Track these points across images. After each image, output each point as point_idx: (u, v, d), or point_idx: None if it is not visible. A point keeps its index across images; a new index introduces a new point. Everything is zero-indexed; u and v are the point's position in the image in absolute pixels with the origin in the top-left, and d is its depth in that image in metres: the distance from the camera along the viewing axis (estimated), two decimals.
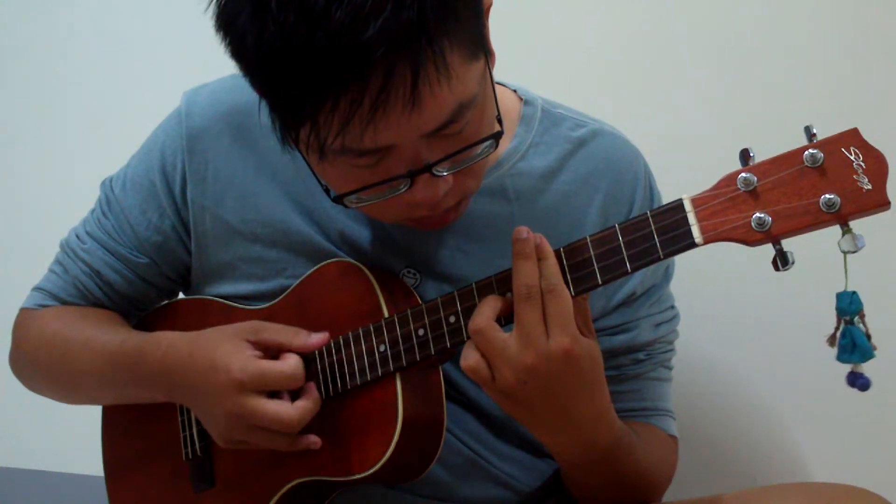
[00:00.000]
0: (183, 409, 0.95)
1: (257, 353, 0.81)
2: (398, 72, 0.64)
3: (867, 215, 0.63)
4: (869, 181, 0.62)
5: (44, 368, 0.98)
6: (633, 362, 0.91)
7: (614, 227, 0.71)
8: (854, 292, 0.64)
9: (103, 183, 1.00)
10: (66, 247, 0.99)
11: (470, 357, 0.72)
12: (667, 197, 0.92)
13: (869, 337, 0.64)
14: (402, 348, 0.79)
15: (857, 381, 0.65)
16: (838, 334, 0.65)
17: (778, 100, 1.18)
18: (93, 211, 1.00)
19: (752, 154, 0.67)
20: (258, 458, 0.87)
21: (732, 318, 1.21)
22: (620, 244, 0.70)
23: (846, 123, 0.65)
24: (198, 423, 0.93)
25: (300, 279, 0.88)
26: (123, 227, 0.96)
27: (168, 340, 0.87)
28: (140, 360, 0.88)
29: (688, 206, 0.67)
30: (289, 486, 0.85)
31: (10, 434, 1.80)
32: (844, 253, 0.63)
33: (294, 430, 0.80)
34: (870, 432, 1.15)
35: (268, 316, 0.89)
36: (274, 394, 0.81)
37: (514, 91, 0.93)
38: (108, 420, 1.02)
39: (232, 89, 0.92)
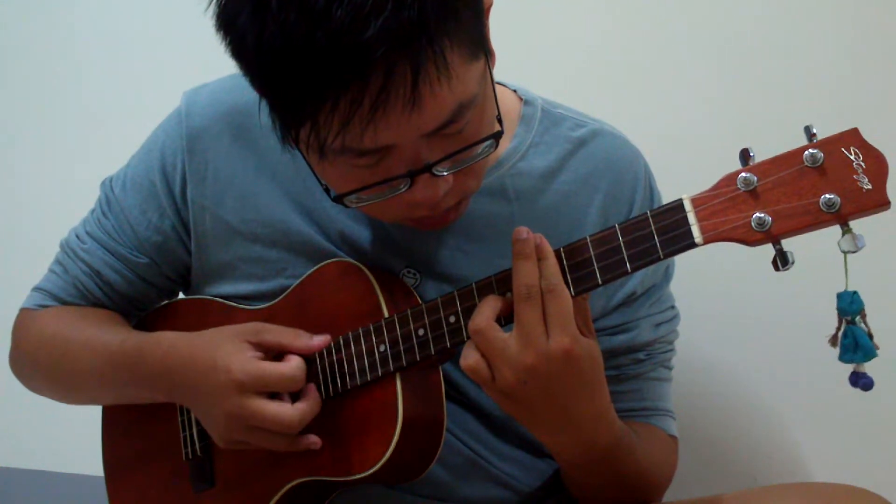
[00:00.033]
0: (183, 409, 0.95)
1: (258, 354, 0.81)
2: (398, 71, 0.64)
3: (867, 215, 0.63)
4: (869, 181, 0.62)
5: (44, 368, 0.98)
6: (633, 362, 0.91)
7: (614, 227, 0.71)
8: (855, 292, 0.64)
9: (103, 183, 1.00)
10: (66, 247, 0.99)
11: (470, 357, 0.72)
12: (667, 197, 0.92)
13: (871, 336, 0.64)
14: (402, 348, 0.79)
15: (860, 381, 0.65)
16: (840, 334, 0.65)
17: (778, 100, 1.18)
18: (93, 211, 1.00)
19: (752, 154, 0.67)
20: (258, 458, 0.87)
21: (732, 318, 1.21)
22: (620, 244, 0.70)
23: (846, 123, 0.65)
24: (198, 423, 0.93)
25: (300, 279, 0.88)
26: (123, 227, 0.96)
27: (168, 340, 0.87)
28: (140, 360, 0.88)
29: (688, 206, 0.67)
30: (289, 486, 0.85)
31: (10, 434, 1.80)
32: (844, 253, 0.63)
33: (294, 431, 0.80)
34: (870, 432, 1.15)
35: (268, 316, 0.89)
36: (274, 395, 0.81)
37: (514, 91, 0.93)
38: (108, 420, 1.02)
39: (232, 89, 0.92)
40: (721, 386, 1.23)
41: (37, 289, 1.00)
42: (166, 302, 1.01)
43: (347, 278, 0.84)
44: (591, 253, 0.71)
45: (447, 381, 0.83)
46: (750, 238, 0.65)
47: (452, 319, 0.77)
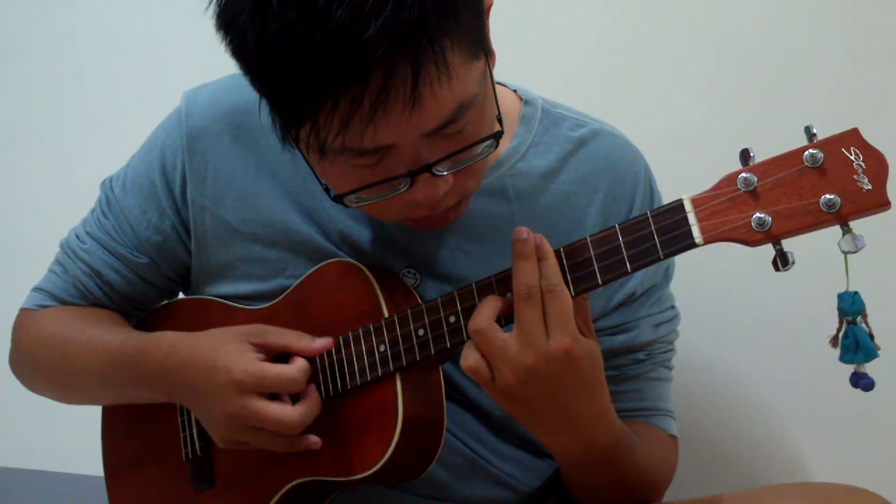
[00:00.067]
0: (183, 409, 0.95)
1: (259, 355, 0.81)
2: (398, 71, 0.64)
3: (867, 215, 0.63)
4: (869, 181, 0.62)
5: (44, 368, 0.98)
6: (634, 362, 0.91)
7: (614, 227, 0.71)
8: (856, 292, 0.64)
9: (103, 183, 1.00)
10: (65, 247, 0.99)
11: (470, 357, 0.72)
12: (667, 197, 0.92)
13: (872, 337, 0.64)
14: (402, 348, 0.79)
15: (861, 382, 0.65)
16: (840, 335, 0.65)
17: (778, 100, 1.18)
18: (93, 211, 1.00)
19: (752, 154, 0.67)
20: (258, 458, 0.87)
21: (732, 318, 1.21)
22: (620, 244, 0.70)
23: (846, 123, 0.65)
24: (198, 423, 0.92)
25: (300, 279, 0.88)
26: (123, 227, 0.96)
27: (169, 341, 0.87)
28: (140, 361, 0.88)
29: (688, 207, 0.67)
30: (289, 486, 0.85)
31: (10, 434, 1.80)
32: (845, 253, 0.63)
33: (294, 433, 0.80)
34: (870, 432, 1.15)
35: (268, 316, 0.89)
36: (274, 396, 0.81)
37: (515, 91, 0.93)
38: (108, 420, 1.02)
39: (232, 89, 0.92)
40: (721, 386, 1.23)
41: (37, 289, 1.00)
42: (166, 302, 1.01)
43: (347, 278, 0.84)
44: (591, 253, 0.71)
45: (447, 381, 0.83)
46: (750, 238, 0.65)
47: (452, 319, 0.77)
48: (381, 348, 0.80)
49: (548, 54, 1.32)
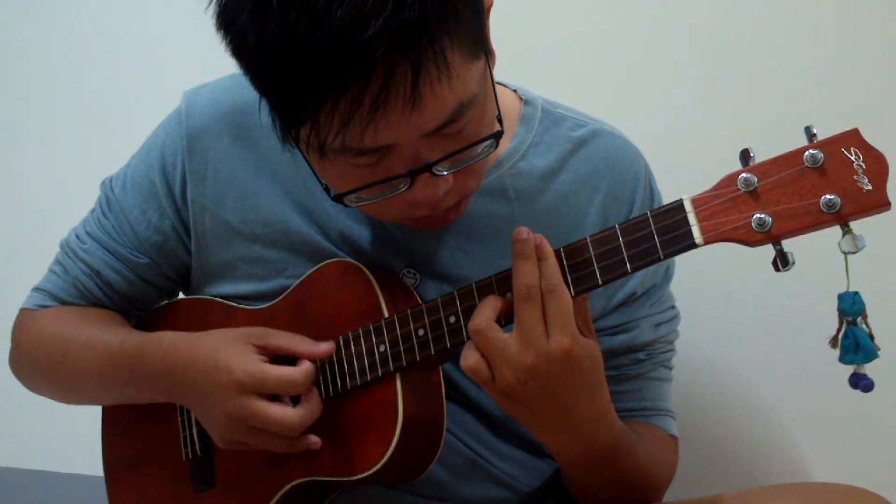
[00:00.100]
0: (183, 409, 0.95)
1: (261, 356, 0.81)
2: (399, 71, 0.64)
3: (867, 216, 0.63)
4: (869, 181, 0.62)
5: (44, 369, 0.98)
6: (634, 362, 0.91)
7: (614, 227, 0.71)
8: (856, 293, 0.64)
9: (103, 183, 1.00)
10: (65, 247, 0.99)
11: (470, 357, 0.72)
12: (667, 197, 0.92)
13: (872, 337, 0.64)
14: (402, 348, 0.79)
15: (861, 383, 0.65)
16: (840, 336, 0.65)
17: (778, 100, 1.18)
18: (93, 211, 1.00)
19: (752, 154, 0.67)
20: (258, 458, 0.87)
21: (732, 318, 1.21)
22: (620, 244, 0.70)
23: (846, 123, 0.65)
24: (198, 423, 0.92)
25: (300, 279, 0.88)
26: (123, 227, 0.96)
27: (169, 341, 0.87)
28: (140, 361, 0.88)
29: (688, 207, 0.67)
30: (289, 486, 0.85)
31: (10, 434, 1.80)
32: (845, 254, 0.63)
33: (294, 434, 0.80)
34: (870, 432, 1.15)
35: (268, 316, 0.89)
36: (275, 397, 0.81)
37: (515, 91, 0.93)
38: (108, 420, 1.02)
39: (232, 89, 0.92)
40: (721, 386, 1.23)
41: (37, 289, 1.00)
42: (166, 302, 1.01)
43: (347, 278, 0.84)
44: (592, 253, 0.71)
45: (447, 381, 0.83)
46: (750, 238, 0.65)
47: (452, 319, 0.77)
48: (381, 348, 0.80)
49: (548, 54, 1.32)
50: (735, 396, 1.23)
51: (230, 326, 0.89)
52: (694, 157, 1.19)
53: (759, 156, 0.67)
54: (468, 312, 0.75)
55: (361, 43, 0.62)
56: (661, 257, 0.68)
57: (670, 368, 0.96)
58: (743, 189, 0.66)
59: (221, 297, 0.93)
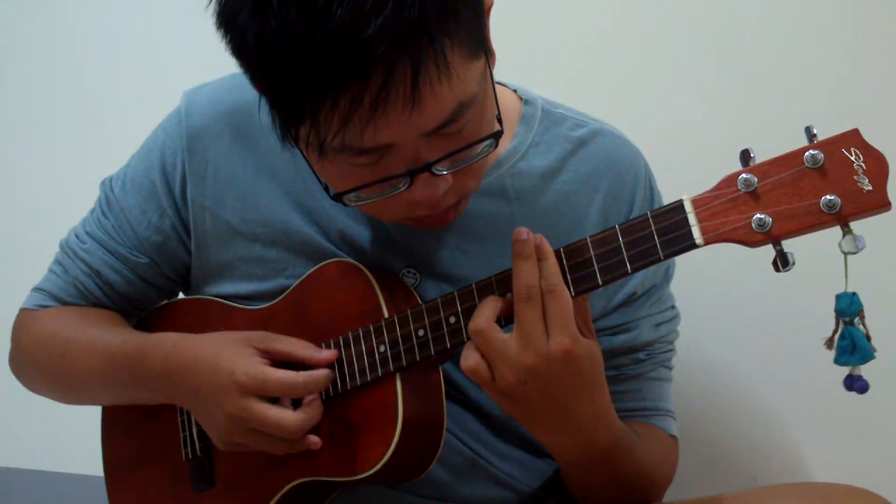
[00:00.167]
0: (183, 409, 0.95)
1: (263, 360, 0.81)
2: (399, 70, 0.64)
3: (868, 216, 0.63)
4: (869, 182, 0.62)
5: (44, 369, 0.98)
6: (634, 362, 0.91)
7: (615, 227, 0.70)
8: (854, 293, 0.64)
9: (103, 183, 1.00)
10: (65, 247, 0.99)
11: (470, 358, 0.72)
12: (667, 197, 0.92)
13: (869, 338, 0.64)
14: (402, 349, 0.79)
15: (856, 384, 0.65)
16: (836, 336, 0.65)
17: (778, 100, 1.18)
18: (92, 211, 1.00)
19: (752, 155, 0.67)
20: (258, 458, 0.86)
21: (732, 318, 1.21)
22: (621, 245, 0.70)
23: (846, 124, 0.65)
24: (198, 423, 0.92)
25: (300, 279, 0.88)
26: (123, 227, 0.96)
27: (170, 342, 0.87)
28: (141, 361, 0.88)
29: (688, 207, 0.67)
30: (289, 486, 0.85)
31: (10, 434, 1.80)
32: (845, 254, 0.63)
33: (294, 437, 0.80)
34: (870, 432, 1.15)
35: (268, 316, 0.89)
36: (274, 400, 0.81)
37: (515, 91, 0.93)
38: (108, 420, 1.02)
39: (232, 89, 0.92)
40: (721, 386, 1.23)
41: (37, 289, 1.00)
42: (166, 302, 1.01)
43: (347, 278, 0.84)
44: (592, 253, 0.71)
45: (447, 381, 0.83)
46: (750, 239, 0.65)
47: (452, 320, 0.76)
48: (381, 349, 0.80)
49: (548, 54, 1.32)
50: (735, 396, 1.23)
51: (230, 326, 0.89)
52: (694, 157, 1.19)
53: (760, 156, 0.67)
54: (468, 313, 0.74)
55: (361, 42, 0.62)
56: (662, 258, 0.68)
57: (670, 368, 0.96)
58: (743, 189, 0.66)
59: (221, 296, 0.93)
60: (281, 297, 0.89)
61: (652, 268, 0.78)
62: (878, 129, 0.69)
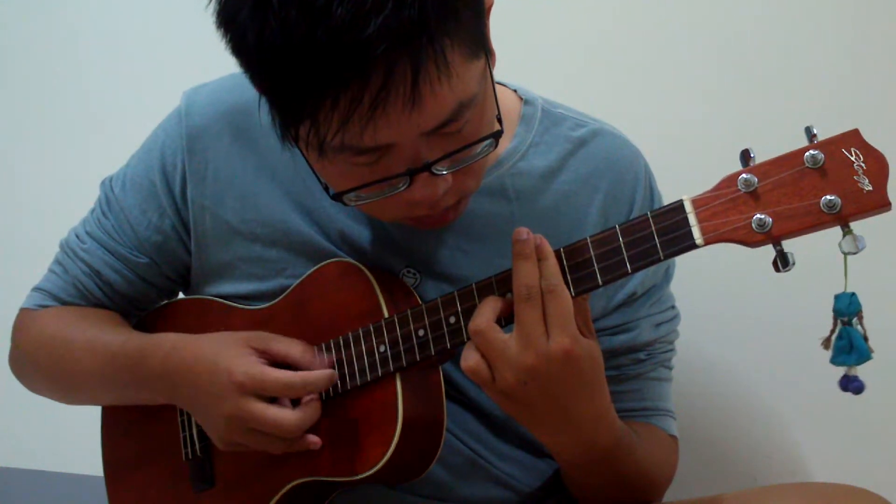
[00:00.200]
0: (183, 409, 0.95)
1: (262, 360, 0.81)
2: (399, 70, 0.64)
3: (868, 216, 0.63)
4: (869, 182, 0.62)
5: (44, 369, 0.98)
6: (634, 362, 0.91)
7: (615, 227, 0.70)
8: (853, 294, 0.64)
9: (103, 183, 1.00)
10: (65, 247, 0.99)
11: (470, 358, 0.72)
12: (667, 197, 0.92)
13: (867, 339, 0.64)
14: (402, 349, 0.79)
15: (851, 385, 0.65)
16: (833, 336, 0.65)
17: (778, 100, 1.18)
18: (92, 211, 1.00)
19: (752, 155, 0.67)
20: (258, 458, 0.87)
21: (732, 318, 1.21)
22: (621, 245, 0.70)
23: (846, 124, 0.65)
24: (198, 423, 0.92)
25: (300, 279, 0.88)
26: (123, 227, 0.96)
27: (170, 342, 0.87)
28: (141, 362, 0.88)
29: (688, 207, 0.67)
30: (289, 486, 0.85)
31: (10, 434, 1.80)
32: (845, 254, 0.63)
33: (293, 436, 0.80)
34: (870, 432, 1.15)
35: (268, 316, 0.89)
36: (274, 399, 0.81)
37: (515, 91, 0.93)
38: (108, 420, 1.02)
39: (232, 89, 0.92)
40: (721, 386, 1.23)
41: (37, 289, 1.00)
42: (166, 302, 1.01)
43: (347, 278, 0.84)
44: (592, 253, 0.71)
45: (447, 381, 0.83)
46: (750, 239, 0.65)
47: (452, 320, 0.76)
48: (381, 349, 0.80)
49: (548, 54, 1.32)
50: (735, 396, 1.23)
51: (230, 326, 0.89)
52: (694, 157, 1.19)
53: (760, 156, 0.67)
54: (468, 313, 0.74)
55: (361, 41, 0.62)
56: (662, 258, 0.68)
57: (670, 368, 0.96)
58: (743, 189, 0.66)
59: (221, 296, 0.93)
60: (281, 297, 0.89)
61: (652, 268, 0.78)
62: (878, 129, 0.69)
